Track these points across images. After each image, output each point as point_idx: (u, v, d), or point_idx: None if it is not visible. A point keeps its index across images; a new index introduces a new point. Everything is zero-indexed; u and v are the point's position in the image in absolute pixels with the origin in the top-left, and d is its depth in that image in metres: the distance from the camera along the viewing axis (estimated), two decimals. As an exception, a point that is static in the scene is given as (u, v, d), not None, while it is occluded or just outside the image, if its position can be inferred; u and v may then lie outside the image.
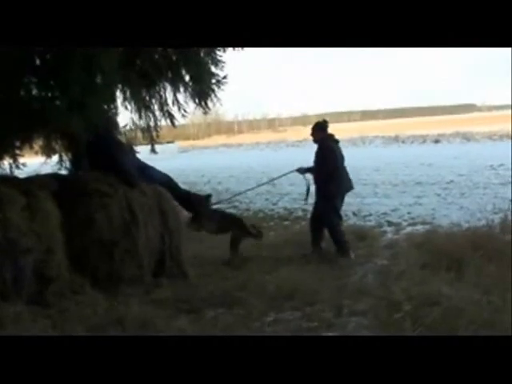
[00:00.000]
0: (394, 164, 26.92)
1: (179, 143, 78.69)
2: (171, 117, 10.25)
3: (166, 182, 9.13)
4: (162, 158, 13.89)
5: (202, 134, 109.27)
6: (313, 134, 9.59)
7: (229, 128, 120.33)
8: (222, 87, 9.97)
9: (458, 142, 43.15)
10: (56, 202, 7.40)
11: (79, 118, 7.52)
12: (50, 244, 7.14)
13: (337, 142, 9.52)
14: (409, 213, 13.64)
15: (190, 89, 9.88)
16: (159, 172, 9.34)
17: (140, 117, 10.15)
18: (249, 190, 14.17)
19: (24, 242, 6.78)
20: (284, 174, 10.95)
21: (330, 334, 5.79)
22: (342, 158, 9.42)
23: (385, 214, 13.76)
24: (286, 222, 13.50)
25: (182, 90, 9.93)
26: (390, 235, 11.05)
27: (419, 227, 11.59)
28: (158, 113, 10.24)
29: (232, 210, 16.01)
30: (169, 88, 9.98)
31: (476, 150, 32.94)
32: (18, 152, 9.70)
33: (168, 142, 79.60)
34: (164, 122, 10.51)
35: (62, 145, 9.93)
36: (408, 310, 5.98)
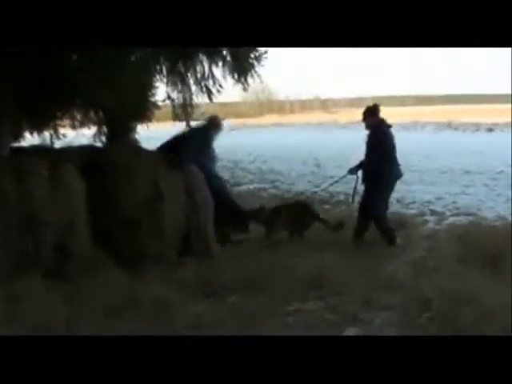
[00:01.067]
0: (444, 151, 26.22)
1: (231, 121, 78.51)
2: (209, 92, 9.93)
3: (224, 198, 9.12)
4: None
5: (254, 113, 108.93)
6: (364, 119, 9.21)
7: (281, 107, 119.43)
8: (263, 63, 9.60)
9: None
10: (82, 175, 7.21)
11: (109, 92, 7.34)
12: (72, 218, 7.00)
13: (389, 126, 9.15)
14: (454, 202, 13.20)
15: (228, 64, 9.53)
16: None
17: (177, 91, 9.87)
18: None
19: (44, 215, 6.61)
20: (336, 181, 10.72)
21: (353, 329, 5.49)
22: (393, 144, 9.07)
23: (429, 202, 13.29)
24: (327, 206, 13.10)
25: (220, 64, 9.59)
26: (431, 225, 10.59)
27: (462, 218, 11.12)
28: (194, 87, 9.93)
29: (272, 191, 15.76)
30: (206, 62, 9.65)
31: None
32: (58, 122, 9.68)
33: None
34: (202, 98, 10.20)
35: (98, 118, 9.82)
36: (438, 309, 5.62)
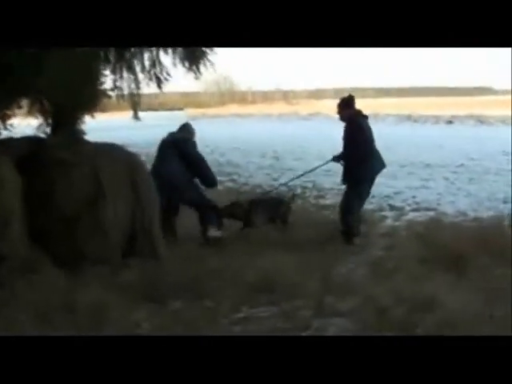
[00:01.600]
0: (404, 144, 25.98)
1: (190, 111, 77.84)
2: (158, 80, 9.41)
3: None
4: (169, 124, 13.22)
5: (216, 103, 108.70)
6: (339, 112, 8.81)
7: (242, 98, 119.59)
8: (216, 50, 9.14)
9: (472, 125, 42.08)
10: (19, 170, 6.69)
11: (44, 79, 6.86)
12: (5, 215, 6.42)
13: (365, 118, 8.83)
14: (413, 197, 12.88)
15: (178, 51, 9.02)
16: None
17: (122, 78, 9.34)
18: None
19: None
20: (321, 165, 10.05)
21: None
22: (371, 136, 8.71)
23: (388, 196, 12.92)
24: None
25: (170, 51, 9.07)
26: (390, 221, 10.25)
27: (422, 214, 10.82)
28: (141, 75, 9.40)
29: (230, 185, 15.33)
30: (154, 49, 9.12)
31: (489, 133, 31.87)
32: (6, 112, 9.13)
33: (177, 109, 79.56)
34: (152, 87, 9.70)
35: (43, 107, 9.26)
36: (396, 316, 5.21)
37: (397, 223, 10.10)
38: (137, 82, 9.36)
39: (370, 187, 8.86)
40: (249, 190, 14.12)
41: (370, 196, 12.47)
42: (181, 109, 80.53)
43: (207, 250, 7.93)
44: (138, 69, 9.27)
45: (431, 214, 10.75)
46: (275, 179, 16.24)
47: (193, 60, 9.17)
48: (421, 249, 7.45)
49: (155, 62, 9.26)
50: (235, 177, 16.95)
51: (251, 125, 50.40)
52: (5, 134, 9.02)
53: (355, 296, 5.98)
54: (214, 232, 8.72)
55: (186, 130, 9.41)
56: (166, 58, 9.22)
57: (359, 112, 8.76)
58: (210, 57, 9.23)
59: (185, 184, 8.73)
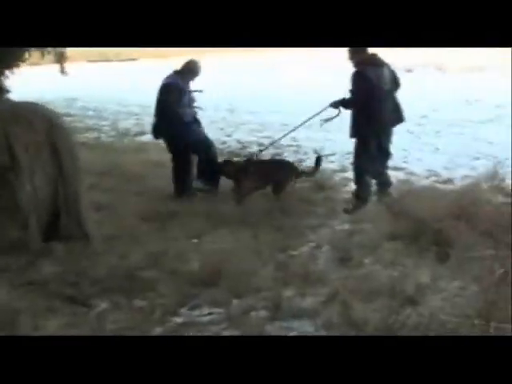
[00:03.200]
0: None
1: (144, 61, 75.88)
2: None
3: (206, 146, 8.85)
4: (123, 75, 12.11)
5: (172, 52, 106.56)
6: (350, 56, 7.87)
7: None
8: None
9: (431, 73, 41.19)
10: None
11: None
12: None
13: (381, 64, 7.84)
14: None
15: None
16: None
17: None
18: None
19: None
20: (317, 114, 8.57)
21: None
22: (384, 84, 7.75)
23: (350, 153, 11.80)
24: (236, 159, 11.62)
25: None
26: (353, 185, 9.10)
27: (390, 174, 9.81)
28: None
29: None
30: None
31: (450, 82, 30.99)
32: None
33: (130, 60, 77.35)
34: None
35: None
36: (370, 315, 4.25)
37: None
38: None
39: (383, 143, 8.12)
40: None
41: (331, 153, 11.68)
42: (134, 59, 78.45)
43: (150, 224, 6.92)
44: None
45: (399, 175, 9.76)
46: (228, 135, 15.16)
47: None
48: (392, 222, 6.45)
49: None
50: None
51: (207, 74, 48.94)
52: None
53: (319, 289, 4.99)
54: (197, 183, 8.56)
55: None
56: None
57: (372, 57, 7.84)
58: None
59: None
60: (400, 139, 13.50)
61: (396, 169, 10.19)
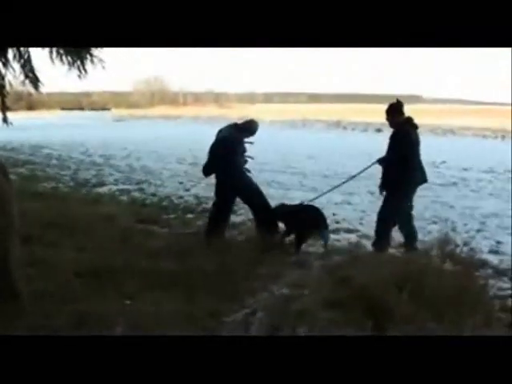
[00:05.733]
0: (330, 152, 24.96)
1: (117, 111, 76.35)
2: (35, 80, 8.09)
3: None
4: (94, 125, 11.90)
5: (146, 103, 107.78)
6: (388, 118, 8.50)
7: (173, 99, 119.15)
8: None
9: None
10: None
11: None
12: None
13: (416, 127, 8.42)
14: (334, 214, 11.58)
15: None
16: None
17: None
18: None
19: None
20: (365, 168, 9.23)
21: None
22: (417, 146, 8.36)
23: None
24: (190, 216, 11.38)
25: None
26: (305, 245, 8.86)
27: (342, 237, 9.58)
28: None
29: (135, 195, 13.97)
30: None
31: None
32: None
33: (103, 109, 78.04)
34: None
35: None
36: None
37: (311, 248, 8.81)
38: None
39: (409, 199, 8.53)
40: (154, 203, 12.75)
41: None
42: (108, 109, 79.13)
43: (84, 282, 6.63)
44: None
45: (351, 237, 9.56)
46: (187, 189, 14.93)
47: (76, 56, 7.94)
48: (332, 289, 6.17)
49: (25, 61, 7.97)
50: (144, 186, 15.55)
51: (177, 128, 49.11)
52: None
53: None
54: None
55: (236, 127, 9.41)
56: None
57: (408, 120, 8.42)
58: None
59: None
60: (360, 199, 13.43)
61: (349, 231, 10.00)
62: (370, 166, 8.98)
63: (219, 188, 9.25)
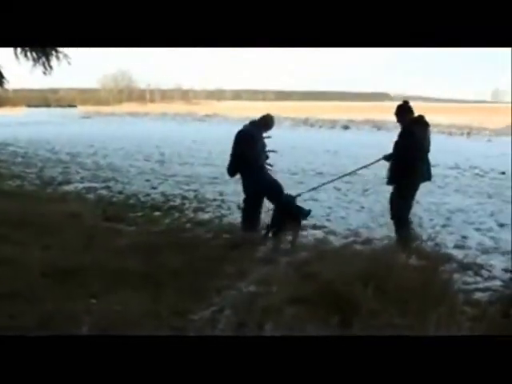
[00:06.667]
0: (297, 149, 25.01)
1: (84, 108, 75.74)
2: (0, 77, 8.02)
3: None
4: (60, 122, 11.73)
5: (114, 100, 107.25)
6: (398, 119, 8.74)
7: (141, 96, 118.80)
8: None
9: (368, 130, 41.73)
10: None
11: None
12: None
13: (427, 124, 8.63)
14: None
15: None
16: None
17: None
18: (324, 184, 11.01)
19: None
20: (371, 164, 9.69)
21: None
22: (424, 143, 8.58)
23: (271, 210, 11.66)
24: (157, 213, 11.32)
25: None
26: (271, 243, 8.85)
27: (309, 233, 9.60)
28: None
29: (102, 193, 13.87)
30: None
31: (386, 139, 31.34)
32: None
33: (70, 106, 77.35)
34: None
35: None
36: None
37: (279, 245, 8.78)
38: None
39: (415, 192, 8.78)
40: (121, 201, 12.68)
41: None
42: (75, 106, 78.47)
43: (50, 281, 6.56)
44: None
45: (318, 233, 9.59)
46: (154, 187, 14.85)
47: (41, 54, 7.89)
48: (298, 285, 6.20)
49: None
50: (111, 183, 15.44)
51: (144, 125, 48.84)
52: None
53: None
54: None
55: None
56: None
57: (418, 118, 8.61)
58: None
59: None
60: (327, 196, 13.47)
61: (316, 227, 10.03)
62: (375, 162, 9.29)
63: (246, 185, 9.51)
